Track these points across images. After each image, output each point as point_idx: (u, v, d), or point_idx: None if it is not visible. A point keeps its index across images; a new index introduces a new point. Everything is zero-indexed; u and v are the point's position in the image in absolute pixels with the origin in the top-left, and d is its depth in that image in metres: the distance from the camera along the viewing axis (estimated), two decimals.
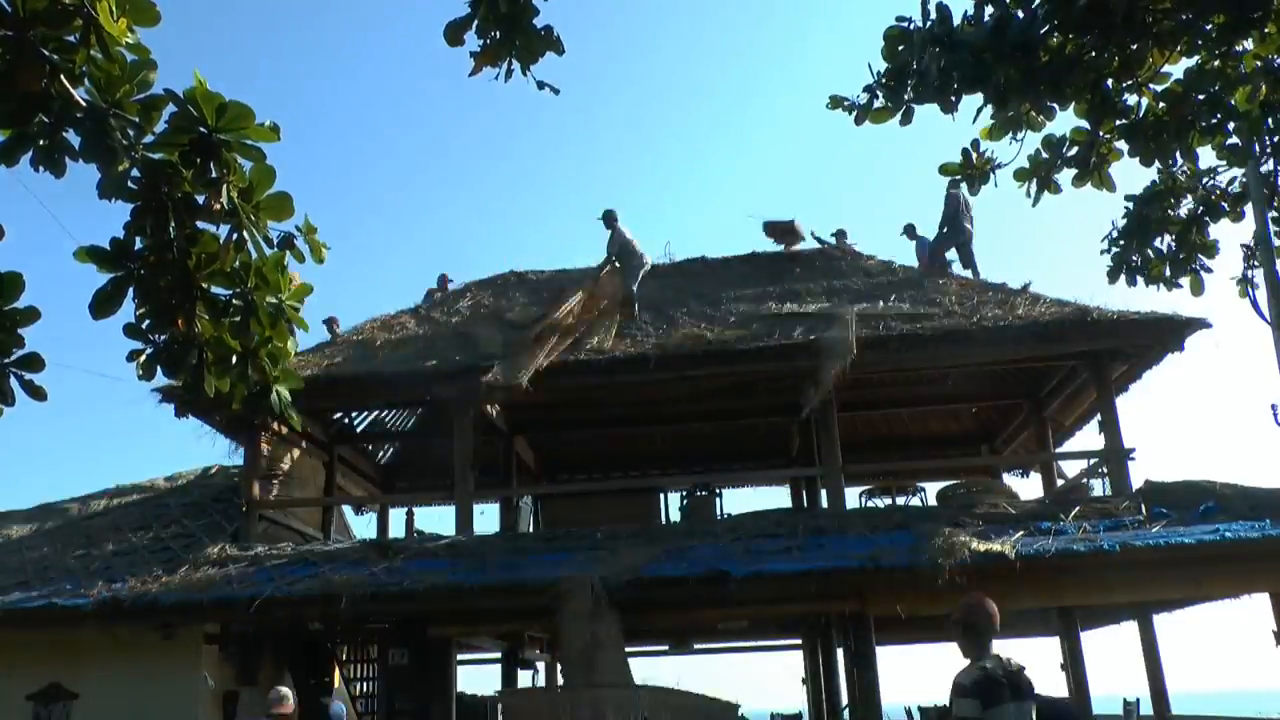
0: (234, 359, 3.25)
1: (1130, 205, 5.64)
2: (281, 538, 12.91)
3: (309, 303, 3.34)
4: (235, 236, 3.09)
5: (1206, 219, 5.58)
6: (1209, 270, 5.71)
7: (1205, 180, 5.53)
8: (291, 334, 3.33)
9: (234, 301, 3.19)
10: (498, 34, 3.80)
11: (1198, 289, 5.74)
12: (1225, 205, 5.53)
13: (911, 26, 4.44)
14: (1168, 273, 5.72)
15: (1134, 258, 5.71)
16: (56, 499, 14.65)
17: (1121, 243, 5.69)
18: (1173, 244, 5.64)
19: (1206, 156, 5.47)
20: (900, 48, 4.47)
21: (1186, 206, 5.62)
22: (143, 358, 3.19)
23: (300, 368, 12.13)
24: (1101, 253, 5.81)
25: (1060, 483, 13.74)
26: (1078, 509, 10.31)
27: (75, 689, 10.91)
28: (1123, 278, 5.80)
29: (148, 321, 3.15)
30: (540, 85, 3.95)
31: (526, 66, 3.88)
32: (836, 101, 4.82)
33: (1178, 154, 5.17)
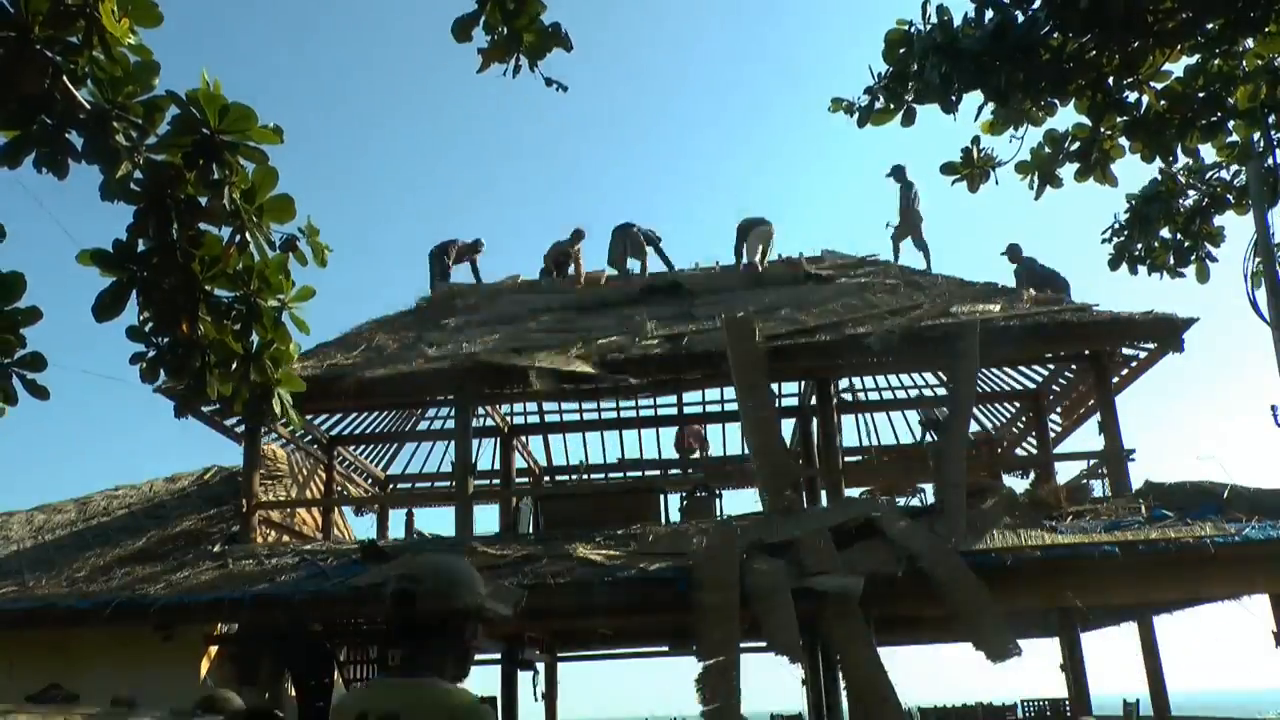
0: (236, 362, 3.23)
1: (1131, 203, 5.65)
2: (281, 539, 12.91)
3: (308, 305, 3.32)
4: (238, 239, 3.08)
5: (1211, 210, 5.58)
6: (1214, 259, 5.71)
7: (1209, 174, 5.53)
8: (293, 337, 3.31)
9: (236, 305, 3.17)
10: (505, 30, 3.78)
11: (1203, 276, 5.72)
12: (1230, 198, 5.53)
13: (913, 30, 4.43)
14: (1171, 261, 5.71)
15: (1136, 247, 5.70)
16: (55, 499, 14.65)
17: (1125, 233, 5.69)
18: (1177, 234, 5.64)
19: (1208, 154, 5.47)
20: (901, 50, 4.47)
21: (1190, 199, 5.61)
22: (145, 361, 3.18)
23: (299, 370, 12.12)
24: (1102, 241, 5.81)
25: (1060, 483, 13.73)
26: (1078, 509, 10.31)
27: (75, 690, 10.88)
28: (1124, 267, 5.79)
29: (150, 324, 3.14)
30: (549, 82, 3.92)
31: (534, 63, 3.85)
32: (838, 104, 4.81)
33: (1179, 151, 5.17)
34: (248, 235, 3.05)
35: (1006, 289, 13.05)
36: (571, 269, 16.09)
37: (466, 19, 3.78)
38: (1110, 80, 4.54)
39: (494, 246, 16.16)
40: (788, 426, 16.73)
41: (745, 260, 15.37)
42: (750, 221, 15.66)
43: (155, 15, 2.98)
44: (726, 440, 17.03)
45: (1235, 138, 5.21)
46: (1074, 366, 12.81)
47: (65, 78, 2.85)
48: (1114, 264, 5.80)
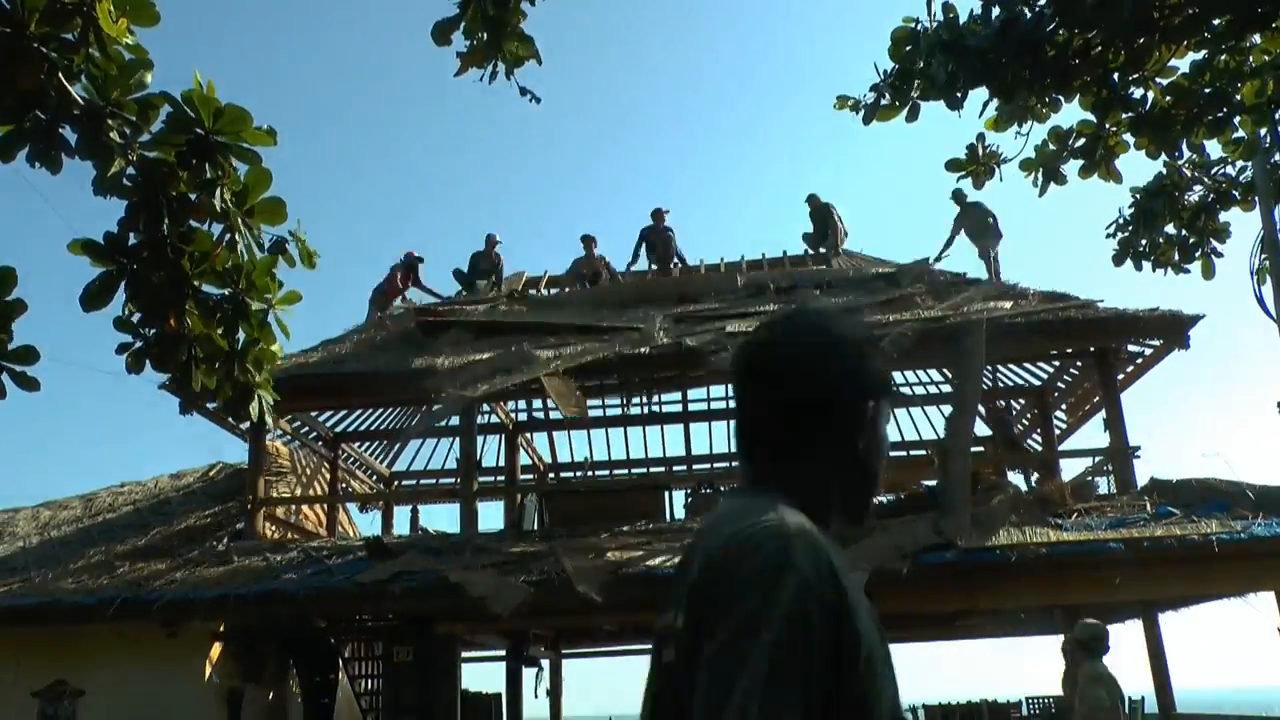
0: (220, 359, 3.24)
1: (1136, 198, 5.61)
2: (286, 536, 12.93)
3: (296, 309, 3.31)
4: (227, 238, 3.09)
5: (1217, 206, 5.54)
6: (1220, 255, 5.67)
7: (1214, 169, 5.50)
8: (277, 338, 3.32)
9: (225, 302, 3.17)
10: (484, 36, 3.79)
11: (1209, 273, 5.69)
12: (1236, 194, 5.49)
13: (919, 27, 4.41)
14: (1176, 257, 5.67)
15: (1141, 243, 5.66)
16: (60, 496, 14.71)
17: (1129, 229, 5.65)
18: (1182, 230, 5.60)
19: (1214, 150, 5.43)
20: (908, 48, 4.45)
21: (1196, 195, 5.58)
22: (131, 352, 3.18)
23: (302, 366, 12.15)
24: (1107, 236, 5.78)
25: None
26: (1083, 506, 10.30)
27: (81, 686, 10.92)
28: (1129, 263, 5.76)
29: (138, 315, 3.14)
30: (523, 92, 3.93)
31: (511, 70, 3.86)
32: (844, 102, 4.80)
33: (1184, 147, 5.14)
34: (237, 235, 3.05)
35: (1012, 286, 12.99)
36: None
37: (446, 23, 3.79)
38: (1115, 76, 4.52)
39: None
40: None
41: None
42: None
43: (153, 14, 2.98)
44: (731, 438, 16.99)
45: (1241, 134, 5.18)
46: (1079, 363, 12.78)
47: (60, 74, 2.85)
48: (1118, 260, 5.77)
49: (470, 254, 15.56)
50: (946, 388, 15.92)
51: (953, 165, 5.23)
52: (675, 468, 17.11)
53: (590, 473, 17.39)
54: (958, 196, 14.09)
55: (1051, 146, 5.10)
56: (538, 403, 15.73)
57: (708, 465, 17.00)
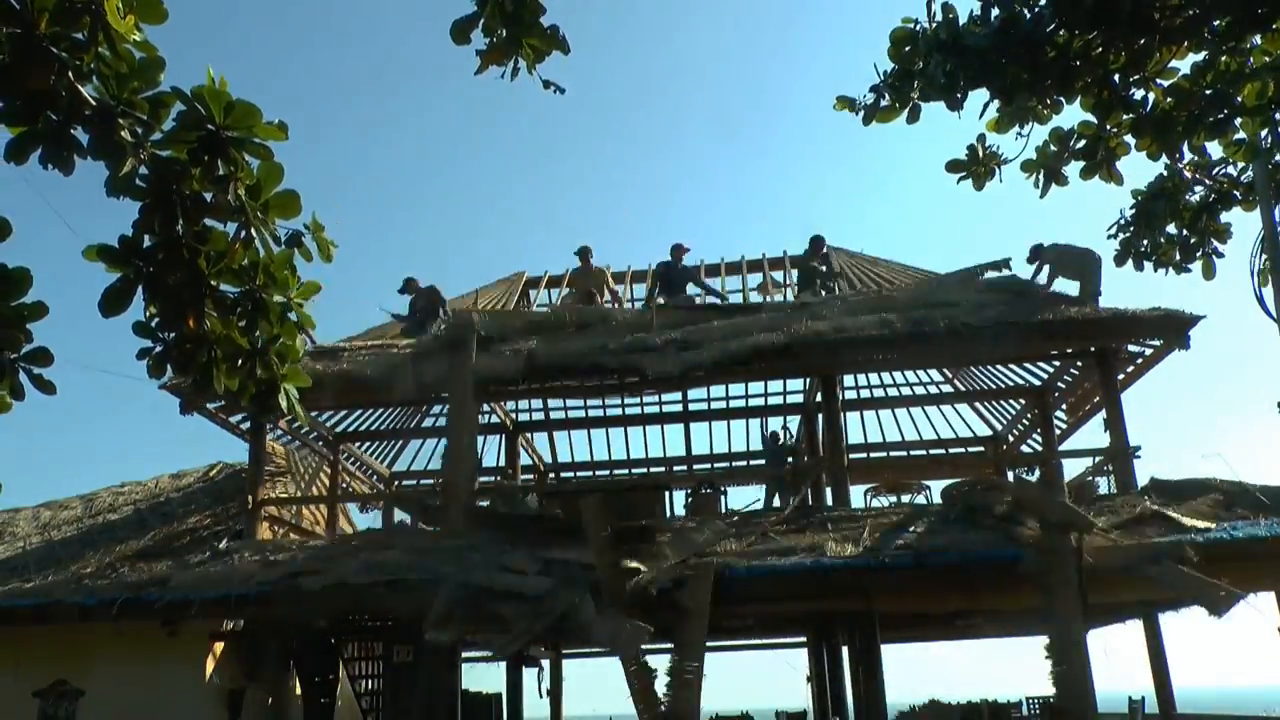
0: (242, 358, 3.24)
1: (1137, 199, 5.63)
2: (286, 535, 12.94)
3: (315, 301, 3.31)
4: (243, 234, 3.09)
5: (1218, 207, 5.56)
6: (1221, 255, 5.70)
7: (1215, 170, 5.52)
8: (300, 331, 3.32)
9: (242, 300, 3.18)
10: (504, 32, 3.79)
11: (1209, 273, 5.72)
12: (1237, 194, 5.51)
13: (918, 28, 4.43)
14: (1178, 257, 5.69)
15: (1142, 243, 5.68)
16: (61, 496, 14.71)
17: (1130, 229, 5.67)
18: (1183, 230, 5.62)
19: (1215, 151, 5.45)
20: (907, 49, 4.46)
21: (1197, 195, 5.60)
22: (152, 356, 3.19)
23: (304, 367, 12.13)
24: (1108, 237, 5.80)
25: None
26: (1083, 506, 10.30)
27: (81, 685, 10.93)
28: (1130, 263, 5.78)
29: (157, 320, 3.14)
30: (546, 85, 3.93)
31: (533, 66, 3.86)
32: (844, 102, 4.81)
33: (1185, 148, 5.15)
34: (253, 231, 3.06)
35: (1014, 284, 12.99)
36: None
37: (465, 21, 3.79)
38: (1116, 77, 4.53)
39: (499, 253, 15.64)
40: (793, 423, 16.75)
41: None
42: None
43: (160, 12, 2.99)
44: (731, 437, 17.04)
45: (1242, 135, 5.20)
46: (1079, 363, 12.80)
47: (71, 74, 2.85)
48: (1120, 260, 5.80)
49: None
50: (947, 388, 15.97)
51: (953, 166, 5.25)
52: (675, 468, 17.13)
53: (590, 473, 17.40)
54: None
55: (1053, 148, 5.12)
56: (538, 403, 15.76)
57: (708, 465, 17.04)
